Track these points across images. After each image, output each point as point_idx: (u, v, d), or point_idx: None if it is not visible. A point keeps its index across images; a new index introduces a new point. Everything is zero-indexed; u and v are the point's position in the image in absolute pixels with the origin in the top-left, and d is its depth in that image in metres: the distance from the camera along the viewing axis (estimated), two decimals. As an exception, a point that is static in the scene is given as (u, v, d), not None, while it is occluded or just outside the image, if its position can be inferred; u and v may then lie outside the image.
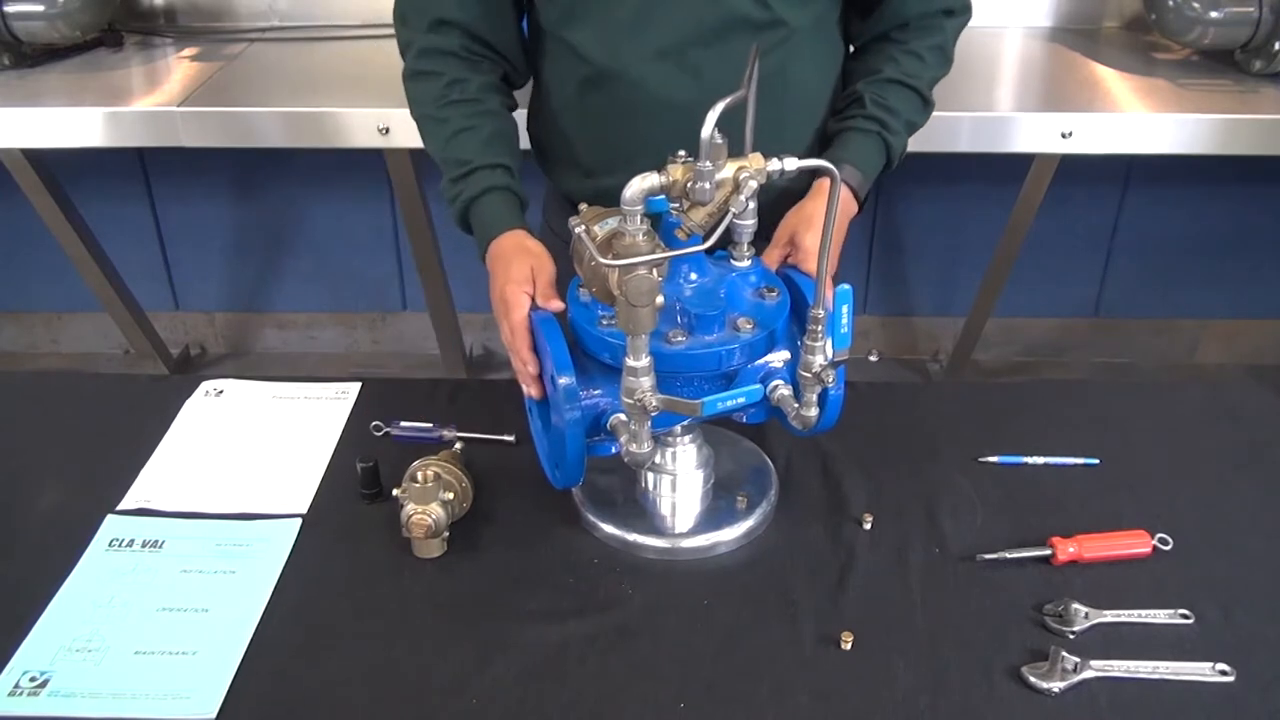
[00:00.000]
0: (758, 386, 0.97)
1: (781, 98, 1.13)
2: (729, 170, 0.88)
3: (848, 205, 1.13)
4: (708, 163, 0.86)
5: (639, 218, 0.88)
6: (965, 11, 1.21)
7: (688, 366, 0.94)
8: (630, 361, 0.89)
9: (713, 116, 0.83)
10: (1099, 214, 2.63)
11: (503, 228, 1.09)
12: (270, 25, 2.38)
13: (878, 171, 1.17)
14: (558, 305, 1.00)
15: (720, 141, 0.87)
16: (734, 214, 0.87)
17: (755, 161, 0.89)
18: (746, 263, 1.01)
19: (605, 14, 1.10)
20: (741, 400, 0.96)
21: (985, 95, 2.04)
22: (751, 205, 0.96)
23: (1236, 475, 1.14)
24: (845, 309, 0.91)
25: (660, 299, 0.86)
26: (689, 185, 0.87)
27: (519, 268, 1.03)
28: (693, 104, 0.85)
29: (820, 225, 1.05)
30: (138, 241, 2.70)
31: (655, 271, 0.85)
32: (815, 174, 1.13)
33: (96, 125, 1.96)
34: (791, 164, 0.89)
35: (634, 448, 0.95)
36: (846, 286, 0.91)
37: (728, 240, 0.99)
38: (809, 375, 0.93)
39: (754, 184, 0.88)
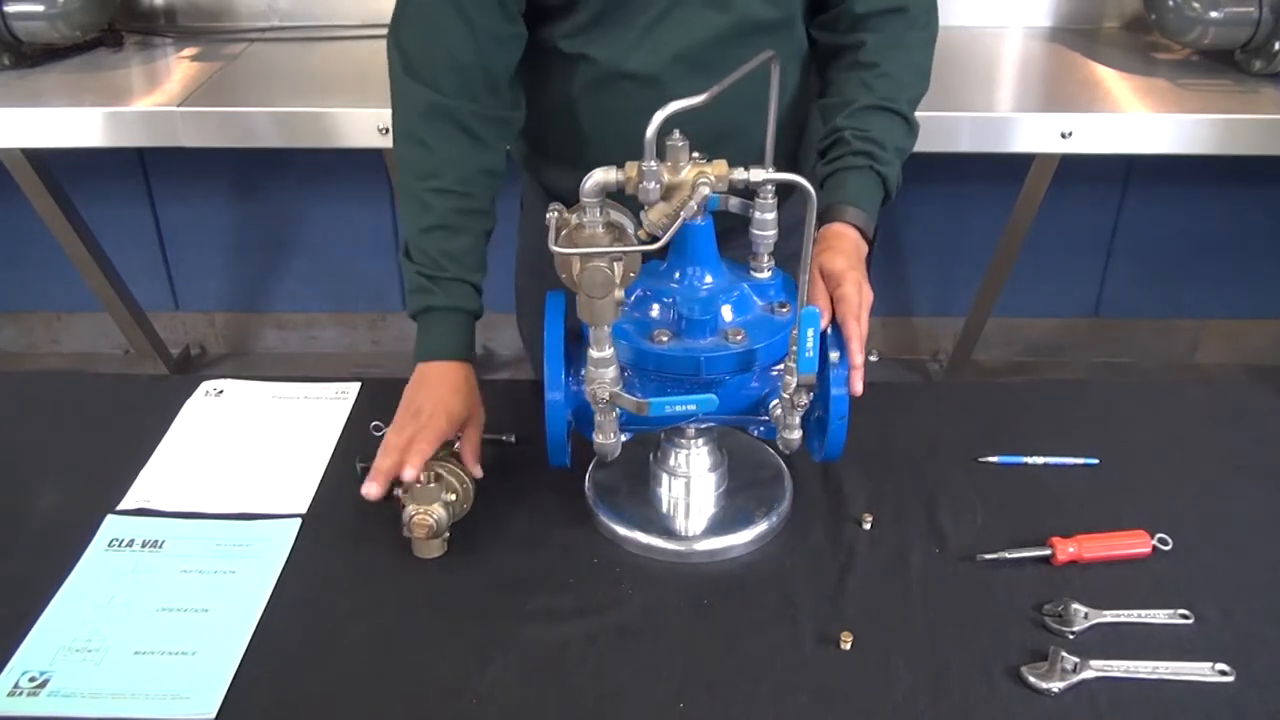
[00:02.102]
0: (711, 396, 0.94)
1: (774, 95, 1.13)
2: (688, 173, 0.88)
3: (858, 244, 1.08)
4: (653, 163, 0.85)
5: (598, 210, 0.88)
6: (926, 21, 1.16)
7: (664, 367, 0.93)
8: (593, 352, 0.90)
9: (659, 117, 0.81)
10: (1099, 214, 2.63)
11: (451, 355, 1.08)
12: (270, 25, 2.38)
13: (878, 205, 1.12)
14: (411, 476, 0.99)
15: (681, 144, 0.87)
16: (684, 218, 0.86)
17: (717, 168, 0.88)
18: (766, 274, 0.99)
19: (623, 26, 1.09)
20: (694, 407, 0.95)
21: (985, 95, 2.05)
22: (771, 216, 0.94)
23: (1236, 475, 1.14)
24: (811, 332, 0.89)
25: (619, 293, 0.86)
26: (638, 185, 0.87)
27: (447, 425, 1.03)
28: (708, 101, 0.82)
29: (843, 255, 1.03)
30: (138, 241, 2.70)
31: (616, 265, 0.85)
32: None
33: (96, 125, 1.96)
34: (758, 175, 0.88)
35: (599, 438, 0.96)
36: (813, 309, 0.90)
37: (749, 250, 0.98)
38: (785, 397, 0.93)
39: (705, 190, 0.87)
